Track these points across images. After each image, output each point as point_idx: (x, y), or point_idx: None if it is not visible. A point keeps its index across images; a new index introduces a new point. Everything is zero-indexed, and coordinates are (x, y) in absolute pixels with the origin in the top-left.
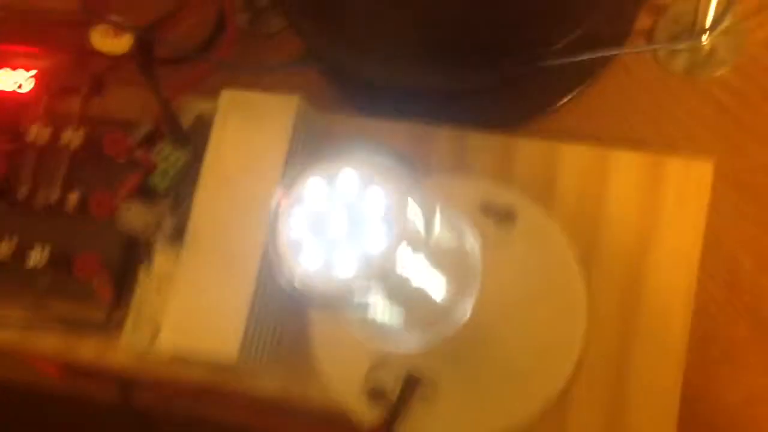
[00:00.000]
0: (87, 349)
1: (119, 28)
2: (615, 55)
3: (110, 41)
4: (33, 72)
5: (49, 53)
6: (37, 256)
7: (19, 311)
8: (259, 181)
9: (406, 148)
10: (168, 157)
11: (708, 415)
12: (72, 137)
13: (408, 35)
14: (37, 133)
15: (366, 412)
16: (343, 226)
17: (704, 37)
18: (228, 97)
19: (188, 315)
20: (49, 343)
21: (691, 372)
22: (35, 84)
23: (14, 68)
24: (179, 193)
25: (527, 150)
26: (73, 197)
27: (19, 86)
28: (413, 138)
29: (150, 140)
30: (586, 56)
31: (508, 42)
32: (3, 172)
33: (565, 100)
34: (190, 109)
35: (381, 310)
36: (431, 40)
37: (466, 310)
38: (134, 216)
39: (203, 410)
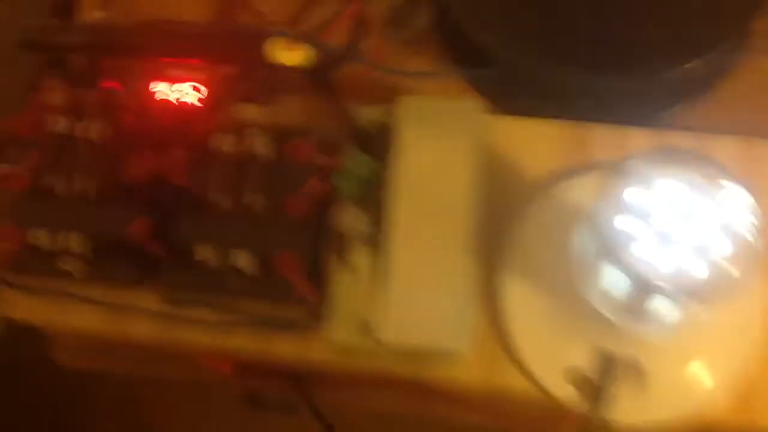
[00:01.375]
0: (285, 347)
1: (294, 40)
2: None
3: (288, 53)
4: (200, 83)
5: (222, 65)
6: (236, 259)
7: (213, 313)
8: (454, 183)
9: (569, 144)
10: (356, 162)
11: None
12: (258, 144)
13: (601, 40)
14: (223, 141)
15: (570, 398)
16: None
17: None
18: (408, 103)
19: (410, 310)
20: (242, 342)
21: None
22: (211, 94)
23: (186, 80)
24: (370, 196)
25: (683, 142)
26: (263, 200)
27: (192, 97)
28: (574, 134)
29: (328, 145)
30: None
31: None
32: (181, 180)
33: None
34: (360, 115)
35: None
36: (617, 44)
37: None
38: (351, 217)
39: (393, 403)
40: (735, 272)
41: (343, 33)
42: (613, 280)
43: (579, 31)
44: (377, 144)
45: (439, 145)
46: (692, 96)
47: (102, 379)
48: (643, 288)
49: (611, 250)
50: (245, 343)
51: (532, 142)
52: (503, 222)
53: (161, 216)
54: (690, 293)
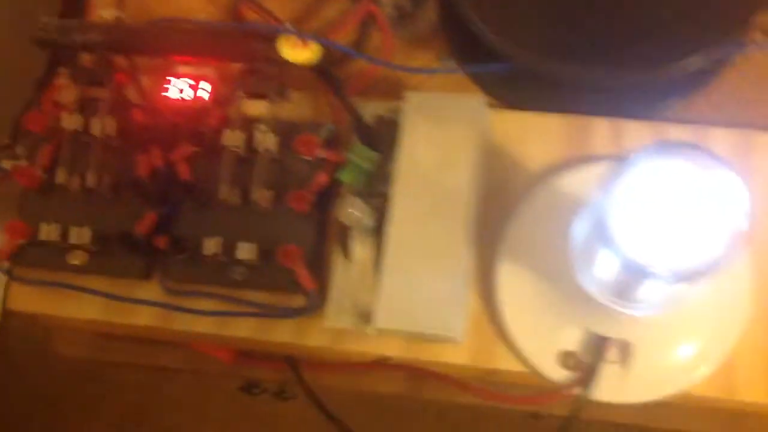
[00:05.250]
0: (282, 333)
1: (305, 38)
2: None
3: (297, 51)
4: (208, 80)
5: (230, 63)
6: (240, 251)
7: (217, 302)
8: (455, 176)
9: (569, 137)
10: (361, 155)
11: None
12: (265, 140)
13: (601, 35)
14: (231, 137)
15: (562, 378)
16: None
17: None
18: (413, 98)
19: (403, 297)
20: (243, 330)
21: None
22: (219, 91)
23: (194, 77)
24: (374, 189)
25: (680, 135)
26: (269, 194)
27: (200, 93)
28: (574, 127)
29: (333, 140)
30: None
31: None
32: (188, 175)
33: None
34: (365, 110)
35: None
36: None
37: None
38: (354, 209)
39: (387, 385)
40: (726, 256)
41: (349, 31)
42: (606, 266)
43: (579, 26)
44: (381, 138)
45: (442, 138)
46: (690, 90)
47: (100, 368)
48: (638, 273)
49: (608, 237)
50: (246, 331)
51: (533, 135)
52: (502, 212)
53: (169, 211)
54: (683, 277)
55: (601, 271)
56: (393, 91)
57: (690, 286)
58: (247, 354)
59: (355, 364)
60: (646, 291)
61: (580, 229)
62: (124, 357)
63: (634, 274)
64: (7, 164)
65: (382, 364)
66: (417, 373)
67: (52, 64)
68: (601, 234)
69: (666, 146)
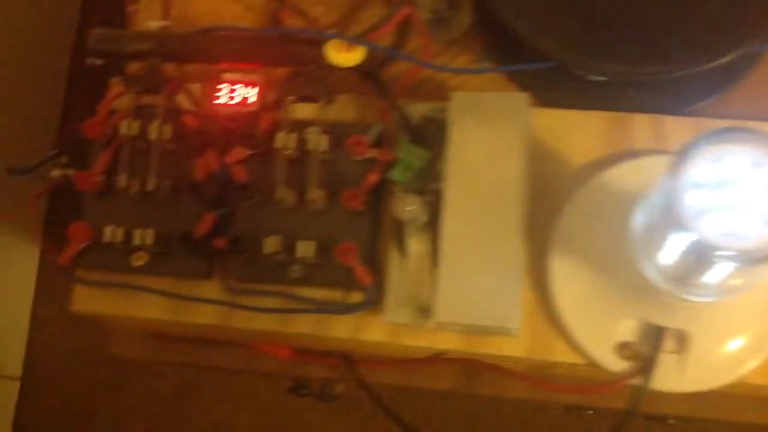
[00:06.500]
0: (341, 329)
1: (352, 42)
2: None
3: (344, 55)
4: (259, 85)
5: (280, 68)
6: (299, 250)
7: (276, 299)
8: (504, 170)
9: (610, 134)
10: (411, 154)
11: None
12: (317, 141)
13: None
14: (284, 139)
15: (616, 366)
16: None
17: None
18: (459, 98)
19: (462, 291)
20: (302, 327)
21: None
22: (271, 96)
23: (246, 83)
24: (423, 185)
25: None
26: (322, 194)
27: (252, 99)
28: (615, 124)
29: (382, 140)
30: None
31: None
32: (243, 178)
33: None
34: (410, 110)
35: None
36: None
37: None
38: (405, 205)
39: (440, 380)
40: None
41: (391, 34)
42: (672, 253)
43: (620, 24)
44: (428, 136)
45: (489, 134)
46: (729, 86)
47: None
48: (707, 258)
49: (678, 223)
50: (306, 327)
51: (575, 131)
52: (550, 206)
53: (226, 212)
54: (754, 260)
55: (665, 257)
56: (432, 92)
57: (762, 272)
58: (304, 351)
59: (409, 360)
60: (711, 276)
61: (641, 217)
62: (177, 357)
63: (704, 258)
64: (56, 173)
65: (436, 359)
66: (471, 366)
67: (107, 74)
68: (671, 218)
69: (731, 132)
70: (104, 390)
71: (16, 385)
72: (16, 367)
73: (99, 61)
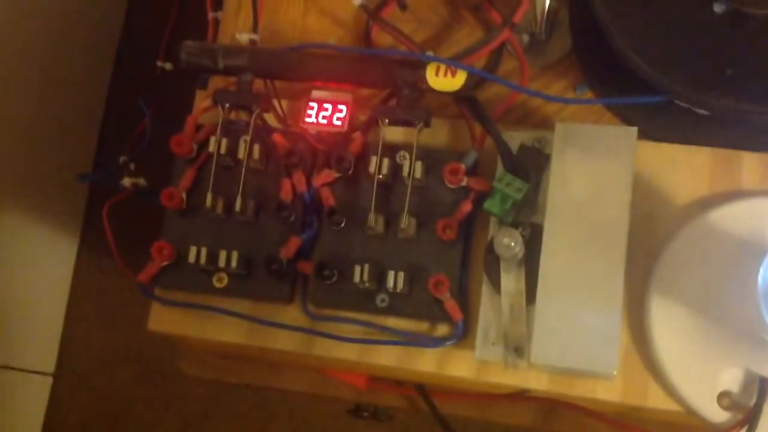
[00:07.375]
0: (426, 363)
1: (454, 66)
2: None
3: (445, 79)
4: (350, 106)
5: (373, 89)
6: (392, 279)
7: (358, 328)
8: (610, 208)
9: (716, 171)
10: (509, 185)
11: None
12: (409, 167)
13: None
14: (377, 164)
15: (718, 416)
16: None
17: None
18: (563, 129)
19: (559, 332)
20: (385, 359)
21: None
22: (363, 118)
23: (337, 103)
24: (519, 218)
25: None
26: (413, 222)
27: (343, 120)
28: (722, 161)
29: (478, 168)
30: None
31: None
32: (331, 201)
33: None
34: (508, 138)
35: None
36: None
37: None
38: (501, 238)
39: (516, 415)
40: None
41: (485, 58)
42: None
43: (731, 60)
44: (526, 167)
45: (595, 169)
46: None
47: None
48: None
49: None
50: (389, 359)
51: (680, 167)
52: (650, 244)
53: (311, 235)
54: None
55: None
56: (521, 119)
57: None
58: (380, 381)
59: (487, 395)
60: None
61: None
62: (248, 379)
63: None
64: (127, 182)
65: (517, 396)
66: (551, 404)
67: (194, 89)
68: None
69: None
70: (138, 388)
71: (48, 381)
72: (49, 363)
73: (169, 66)
